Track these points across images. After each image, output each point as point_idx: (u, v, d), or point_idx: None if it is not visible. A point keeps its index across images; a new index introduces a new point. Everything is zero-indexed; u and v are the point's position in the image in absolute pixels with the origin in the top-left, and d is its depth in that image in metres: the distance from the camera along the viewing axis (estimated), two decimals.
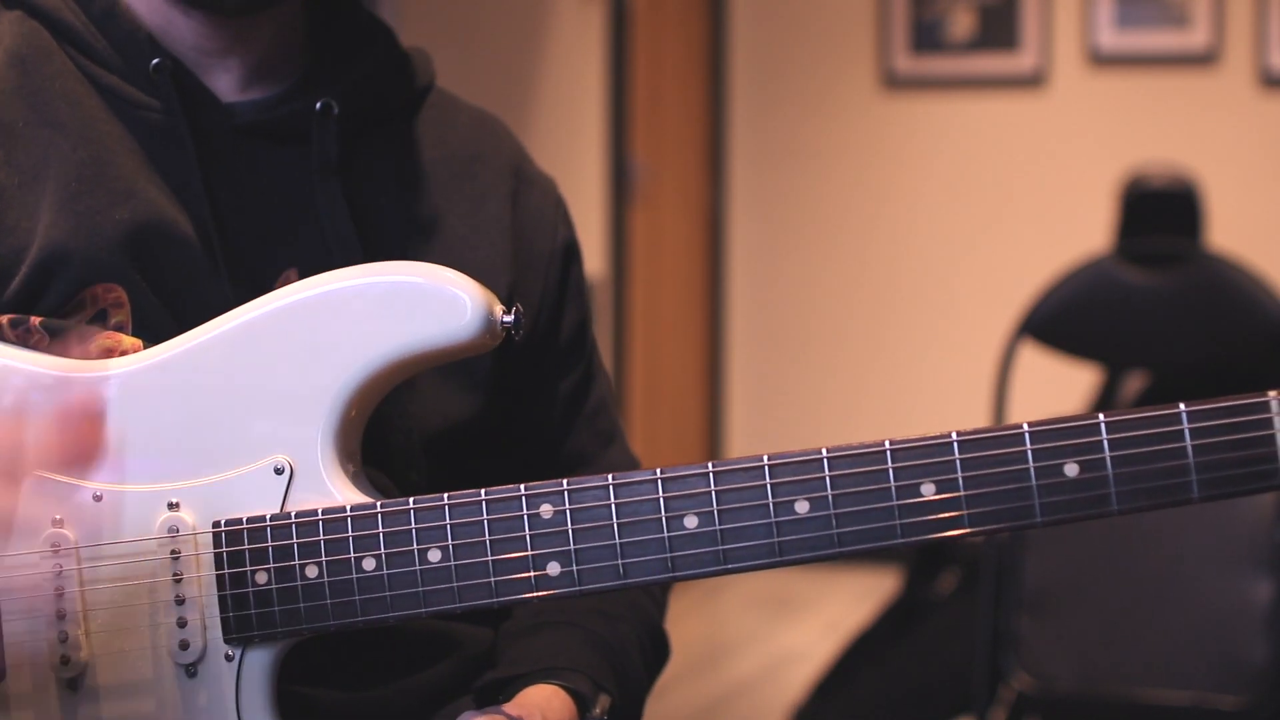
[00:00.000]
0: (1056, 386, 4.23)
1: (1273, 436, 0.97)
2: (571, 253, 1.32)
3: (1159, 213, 3.32)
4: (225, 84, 1.20)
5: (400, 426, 1.17)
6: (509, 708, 1.12)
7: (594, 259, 4.64)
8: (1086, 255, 2.86)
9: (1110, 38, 5.17)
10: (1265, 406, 0.98)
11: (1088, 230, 4.92)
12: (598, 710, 1.17)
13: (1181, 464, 0.97)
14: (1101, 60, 5.20)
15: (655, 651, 1.30)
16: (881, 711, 3.19)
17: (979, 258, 5.35)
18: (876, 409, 5.48)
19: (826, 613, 4.80)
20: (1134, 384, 3.46)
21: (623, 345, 4.82)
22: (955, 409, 5.29)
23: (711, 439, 5.63)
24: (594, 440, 1.31)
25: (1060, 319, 2.76)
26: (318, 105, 1.18)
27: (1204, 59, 5.11)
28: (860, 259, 5.48)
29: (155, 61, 1.16)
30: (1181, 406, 0.98)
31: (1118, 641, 2.62)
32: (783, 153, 5.55)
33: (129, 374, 1.08)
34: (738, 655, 4.47)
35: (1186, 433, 0.97)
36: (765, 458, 1.01)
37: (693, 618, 4.71)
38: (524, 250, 1.26)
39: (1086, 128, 5.23)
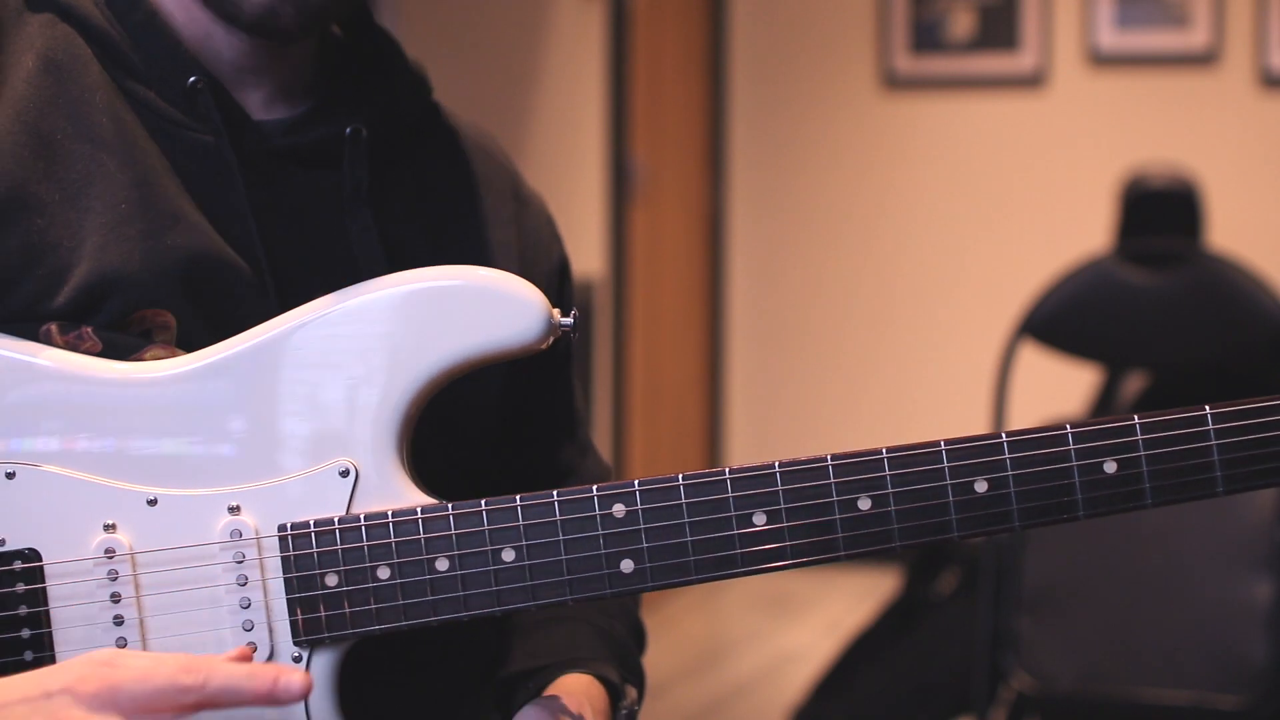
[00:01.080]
0: (1056, 386, 4.23)
1: None
2: (565, 271, 1.34)
3: (1159, 213, 3.32)
4: (254, 101, 1.18)
5: (434, 441, 1.17)
6: (554, 698, 1.13)
7: (594, 259, 4.63)
8: (1086, 255, 2.86)
9: (1110, 38, 5.17)
10: None
11: (1088, 230, 4.92)
12: (628, 700, 1.19)
13: (1208, 461, 1.05)
14: (1101, 60, 5.20)
15: (641, 646, 1.32)
16: (881, 711, 3.19)
17: (979, 258, 5.35)
18: (876, 408, 5.48)
19: (826, 613, 4.80)
20: (1134, 384, 3.46)
21: (623, 345, 4.82)
22: (955, 410, 5.29)
23: (711, 439, 5.63)
24: (576, 452, 1.34)
25: (1060, 319, 2.76)
26: (348, 130, 1.17)
27: (1204, 59, 5.11)
28: (860, 259, 5.48)
29: (193, 80, 1.13)
30: (1207, 409, 1.06)
31: (1118, 641, 2.63)
32: (783, 153, 5.55)
33: (184, 374, 1.07)
34: (738, 655, 4.47)
35: (1212, 432, 1.05)
36: (829, 457, 1.06)
37: (693, 618, 4.71)
38: (528, 272, 1.26)
39: (1086, 128, 5.23)
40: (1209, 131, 5.12)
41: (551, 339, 1.06)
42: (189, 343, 1.09)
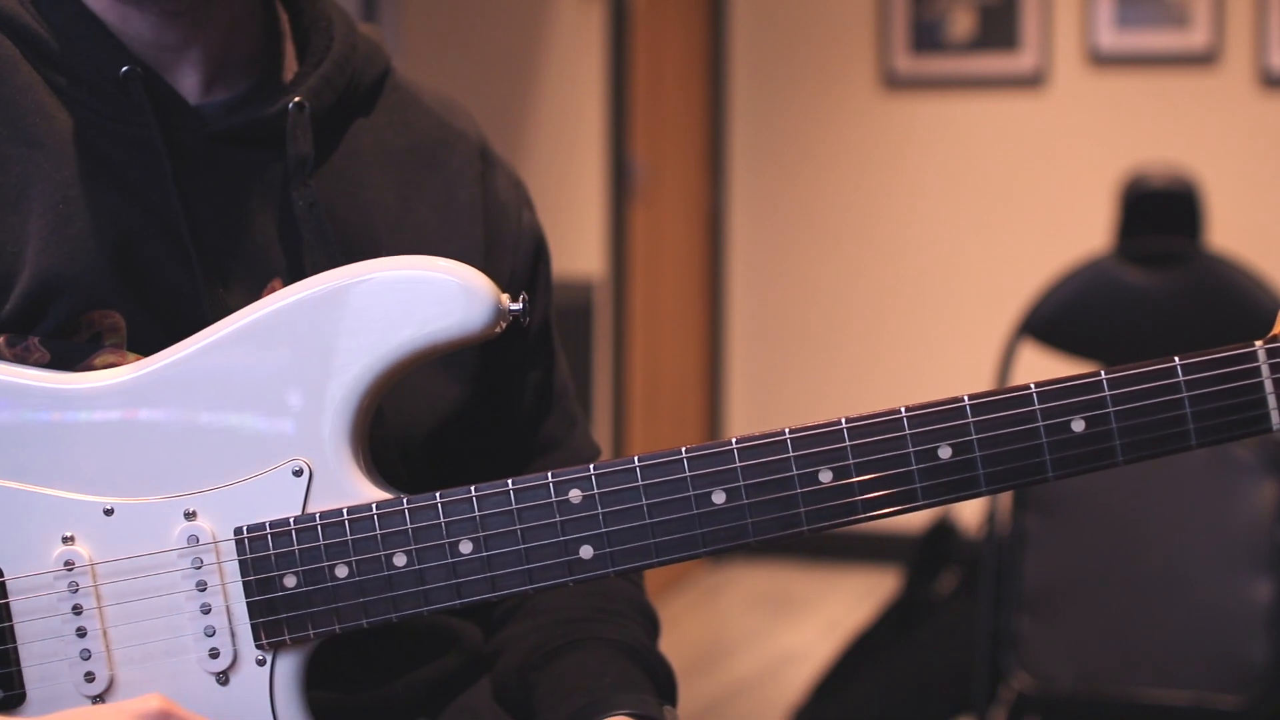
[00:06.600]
0: None
1: (1260, 384, 1.01)
2: (539, 239, 1.32)
3: (1159, 213, 3.31)
4: (189, 84, 1.16)
5: (386, 425, 1.16)
6: None
7: (594, 259, 4.63)
8: (1086, 255, 2.86)
9: (1110, 38, 5.17)
10: (1252, 356, 1.02)
11: (1088, 230, 4.92)
12: None
13: (1179, 414, 1.02)
14: (1101, 60, 5.20)
15: (657, 634, 1.31)
16: (881, 711, 3.19)
17: (979, 258, 5.35)
18: (876, 408, 5.47)
19: (826, 613, 4.80)
20: None
21: (623, 345, 4.82)
22: None
23: (711, 439, 5.63)
24: (562, 424, 1.33)
25: (1060, 319, 2.76)
26: (289, 105, 1.15)
27: (1204, 59, 5.11)
28: (860, 259, 5.48)
29: (125, 70, 1.11)
30: (1176, 360, 1.02)
31: (1118, 641, 2.62)
32: (783, 153, 5.54)
33: (132, 381, 1.06)
34: (738, 655, 4.47)
35: (1182, 384, 1.02)
36: (787, 430, 1.04)
37: (693, 618, 4.71)
38: (493, 234, 1.26)
39: (1086, 128, 5.23)
40: (1209, 131, 5.12)
41: (502, 324, 1.04)
42: (140, 340, 1.09)
